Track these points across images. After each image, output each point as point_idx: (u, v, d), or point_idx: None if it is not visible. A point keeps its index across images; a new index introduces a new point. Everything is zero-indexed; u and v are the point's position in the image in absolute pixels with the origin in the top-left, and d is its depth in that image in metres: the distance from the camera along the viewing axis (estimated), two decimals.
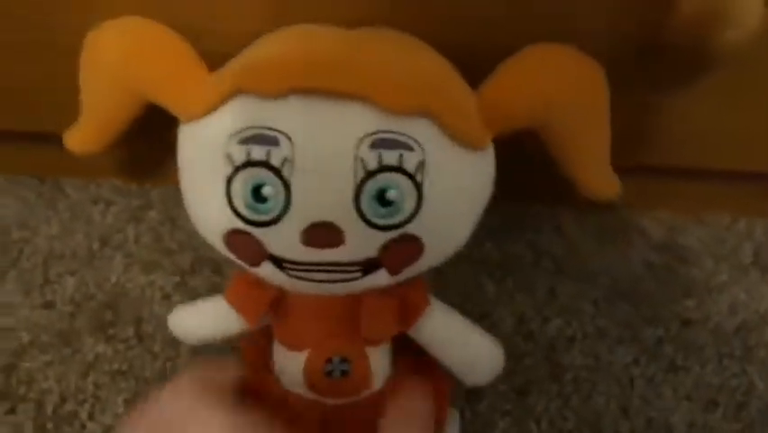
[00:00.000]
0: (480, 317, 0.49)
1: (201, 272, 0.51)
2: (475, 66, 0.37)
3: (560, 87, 0.37)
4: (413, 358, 0.43)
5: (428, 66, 0.36)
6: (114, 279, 0.51)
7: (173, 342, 0.47)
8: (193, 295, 0.49)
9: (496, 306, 0.50)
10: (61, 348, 0.48)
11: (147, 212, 0.54)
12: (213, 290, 0.50)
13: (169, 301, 0.50)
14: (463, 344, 0.41)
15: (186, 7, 0.41)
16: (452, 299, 0.41)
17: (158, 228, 0.53)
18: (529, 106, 0.37)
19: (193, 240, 0.52)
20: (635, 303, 0.51)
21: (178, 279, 0.51)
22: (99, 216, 0.54)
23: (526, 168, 0.43)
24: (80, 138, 0.43)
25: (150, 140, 0.45)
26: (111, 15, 0.39)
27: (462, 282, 0.51)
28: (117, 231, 0.53)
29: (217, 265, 0.51)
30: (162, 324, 0.46)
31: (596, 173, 0.41)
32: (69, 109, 0.42)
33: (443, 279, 0.46)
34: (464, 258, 0.38)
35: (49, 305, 0.50)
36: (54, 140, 0.44)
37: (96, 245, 0.53)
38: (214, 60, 0.38)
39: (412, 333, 0.41)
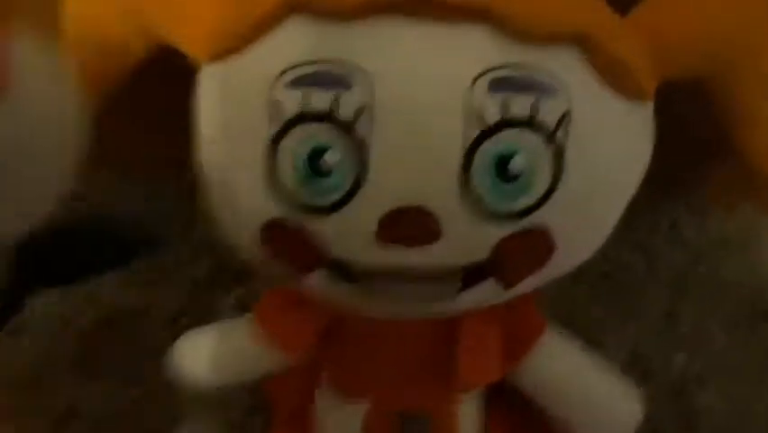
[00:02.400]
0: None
1: (219, 287, 0.43)
2: None
3: (742, 11, 0.27)
4: (508, 412, 0.34)
5: None
6: (103, 299, 0.42)
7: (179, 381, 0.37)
8: (208, 318, 0.39)
9: (602, 334, 0.41)
10: (28, 392, 0.38)
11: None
12: (235, 309, 0.42)
13: (175, 325, 0.41)
14: (589, 387, 0.31)
15: None
16: None
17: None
18: (703, 38, 0.26)
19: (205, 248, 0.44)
20: None
21: (188, 295, 0.42)
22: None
23: None
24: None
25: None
26: None
27: (554, 302, 0.41)
28: None
29: (241, 278, 0.43)
30: (166, 356, 0.36)
31: None
32: None
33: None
34: None
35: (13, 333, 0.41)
36: None
37: None
38: None
39: (515, 375, 0.31)
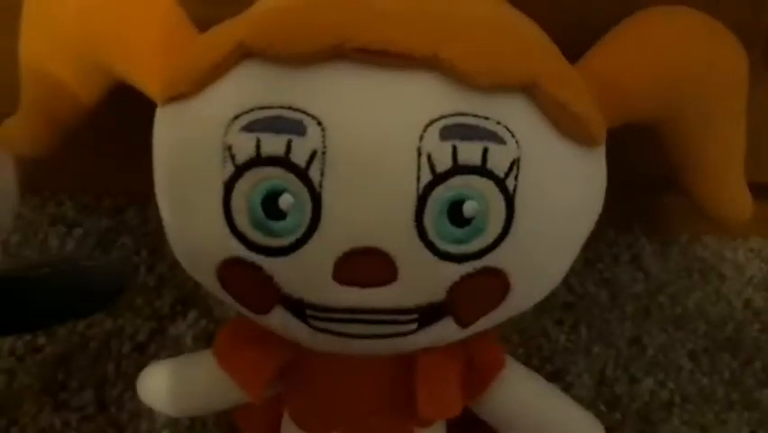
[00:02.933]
0: (549, 376, 0.39)
1: (185, 316, 0.41)
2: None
3: (691, 56, 0.27)
4: None
5: (522, 24, 0.25)
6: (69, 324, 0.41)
7: (147, 411, 0.36)
8: (174, 347, 0.39)
9: (569, 360, 0.40)
10: None
11: (119, 236, 0.44)
12: (200, 339, 0.40)
13: (141, 355, 0.39)
14: (550, 419, 0.31)
15: None
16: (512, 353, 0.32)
17: (131, 258, 0.43)
18: (653, 83, 0.27)
19: (176, 273, 0.42)
20: (740, 355, 0.41)
21: (154, 324, 0.40)
22: (57, 242, 0.44)
23: None
24: (22, 133, 0.31)
25: (123, 142, 0.35)
26: None
27: (524, 329, 0.40)
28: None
29: (207, 307, 0.41)
30: (132, 386, 0.35)
31: (728, 184, 0.30)
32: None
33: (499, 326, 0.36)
34: None
35: None
36: None
37: None
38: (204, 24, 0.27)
39: (478, 406, 0.31)
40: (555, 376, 0.39)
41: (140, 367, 0.34)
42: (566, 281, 0.42)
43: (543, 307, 0.41)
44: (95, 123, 0.32)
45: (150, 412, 0.37)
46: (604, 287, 0.43)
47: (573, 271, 0.33)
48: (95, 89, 0.30)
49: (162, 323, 0.41)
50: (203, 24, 0.28)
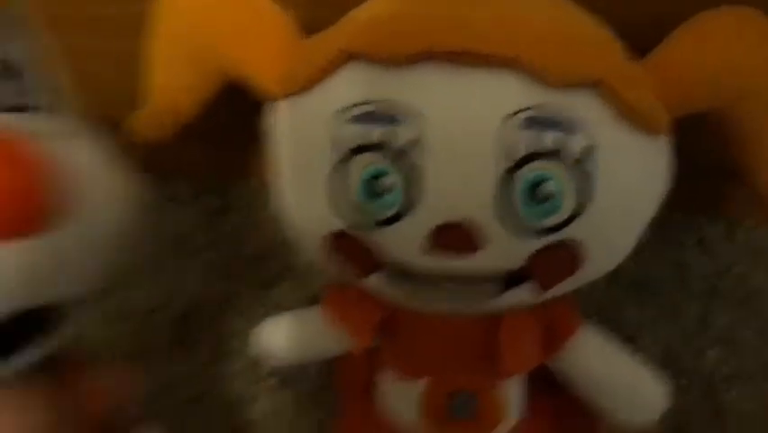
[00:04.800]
0: None
1: (287, 283, 0.45)
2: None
3: (752, 55, 0.29)
4: (548, 396, 0.36)
5: (591, 28, 0.28)
6: (188, 290, 0.45)
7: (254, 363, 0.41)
8: (276, 311, 0.42)
9: (637, 334, 0.42)
10: None
11: (226, 213, 0.47)
12: (299, 303, 0.43)
13: (251, 315, 0.43)
14: (620, 377, 0.34)
15: None
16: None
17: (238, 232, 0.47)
18: (714, 80, 0.29)
19: (275, 247, 0.45)
20: None
21: (258, 290, 0.45)
22: (172, 217, 0.47)
23: None
24: (149, 122, 0.36)
25: (231, 129, 0.39)
26: None
27: (593, 305, 0.43)
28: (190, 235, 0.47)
29: (306, 275, 0.45)
30: (244, 341, 0.40)
31: None
32: (134, 93, 0.36)
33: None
34: None
35: (109, 321, 0.44)
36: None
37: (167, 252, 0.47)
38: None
39: (555, 362, 0.34)
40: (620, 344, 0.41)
41: (248, 325, 0.39)
42: (636, 262, 0.44)
43: (614, 284, 0.43)
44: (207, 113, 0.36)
45: (259, 362, 0.41)
46: (672, 268, 0.44)
47: (643, 252, 0.36)
48: (212, 86, 0.34)
49: (265, 290, 0.45)
50: (306, 27, 0.32)
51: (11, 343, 0.19)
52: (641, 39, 0.29)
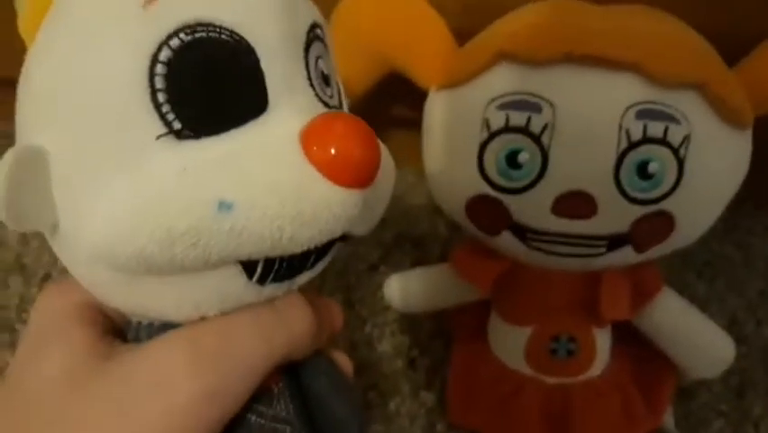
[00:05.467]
0: None
1: (403, 247, 0.52)
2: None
3: None
4: (628, 349, 0.42)
5: (694, 38, 0.35)
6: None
7: (382, 309, 0.48)
8: (397, 268, 0.49)
9: (706, 305, 0.48)
10: None
11: None
12: (415, 263, 0.50)
13: (375, 272, 0.50)
14: (695, 332, 0.40)
15: None
16: None
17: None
18: None
19: (395, 216, 0.53)
20: None
21: (381, 251, 0.52)
22: None
23: None
24: None
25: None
26: None
27: (671, 280, 0.49)
28: None
29: (419, 240, 0.52)
30: (370, 292, 0.47)
31: None
32: None
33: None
34: (671, 255, 0.37)
35: None
36: None
37: None
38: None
39: (640, 319, 0.40)
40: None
41: (373, 279, 0.46)
42: (707, 244, 0.50)
43: (687, 262, 0.50)
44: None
45: (384, 310, 0.47)
46: (739, 249, 0.50)
47: (714, 235, 0.42)
48: (378, 75, 0.41)
49: (388, 250, 0.51)
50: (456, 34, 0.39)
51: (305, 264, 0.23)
52: (730, 50, 0.35)
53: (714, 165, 0.33)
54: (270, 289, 0.23)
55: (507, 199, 0.35)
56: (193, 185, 0.20)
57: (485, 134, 0.34)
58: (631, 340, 0.41)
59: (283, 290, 0.24)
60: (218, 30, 0.20)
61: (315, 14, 0.24)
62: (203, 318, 0.23)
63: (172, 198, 0.20)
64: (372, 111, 0.28)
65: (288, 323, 0.24)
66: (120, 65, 0.20)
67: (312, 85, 0.23)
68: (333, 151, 0.20)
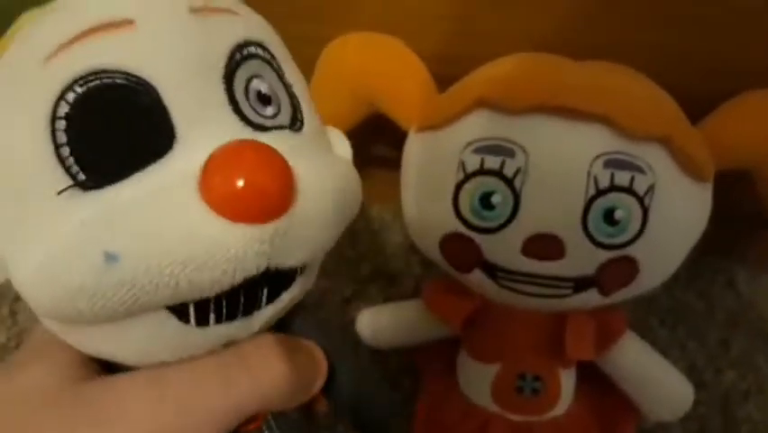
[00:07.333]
0: None
1: (378, 282, 0.53)
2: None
3: None
4: (592, 390, 0.43)
5: (662, 96, 0.37)
6: None
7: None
8: (371, 303, 0.50)
9: (668, 351, 0.49)
10: None
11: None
12: (388, 299, 0.51)
13: (348, 306, 0.51)
14: (656, 376, 0.41)
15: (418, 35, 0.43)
16: None
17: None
18: (754, 147, 0.37)
19: (371, 252, 0.54)
20: None
21: (356, 286, 0.52)
22: None
23: None
24: None
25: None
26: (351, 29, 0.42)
27: (634, 325, 0.51)
28: None
29: (393, 277, 0.53)
30: (342, 326, 0.47)
31: None
32: None
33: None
34: (635, 300, 0.39)
35: None
36: None
37: None
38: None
39: (603, 360, 0.41)
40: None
41: (346, 314, 0.46)
42: (671, 291, 0.52)
43: (650, 308, 0.51)
44: None
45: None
46: (701, 299, 0.51)
47: (677, 284, 0.43)
48: (361, 116, 0.42)
49: (362, 285, 0.52)
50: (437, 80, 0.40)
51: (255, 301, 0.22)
52: (694, 108, 0.37)
53: (676, 214, 0.35)
54: (221, 330, 0.22)
55: (478, 238, 0.36)
56: (85, 239, 0.19)
57: (461, 175, 0.35)
58: (595, 382, 0.42)
59: (245, 332, 0.23)
60: (112, 75, 0.20)
61: (246, 33, 0.23)
62: (163, 363, 0.23)
63: (68, 254, 0.19)
64: (354, 149, 0.29)
65: (252, 370, 0.23)
66: (23, 130, 0.20)
67: (237, 110, 0.22)
68: (236, 183, 0.19)
